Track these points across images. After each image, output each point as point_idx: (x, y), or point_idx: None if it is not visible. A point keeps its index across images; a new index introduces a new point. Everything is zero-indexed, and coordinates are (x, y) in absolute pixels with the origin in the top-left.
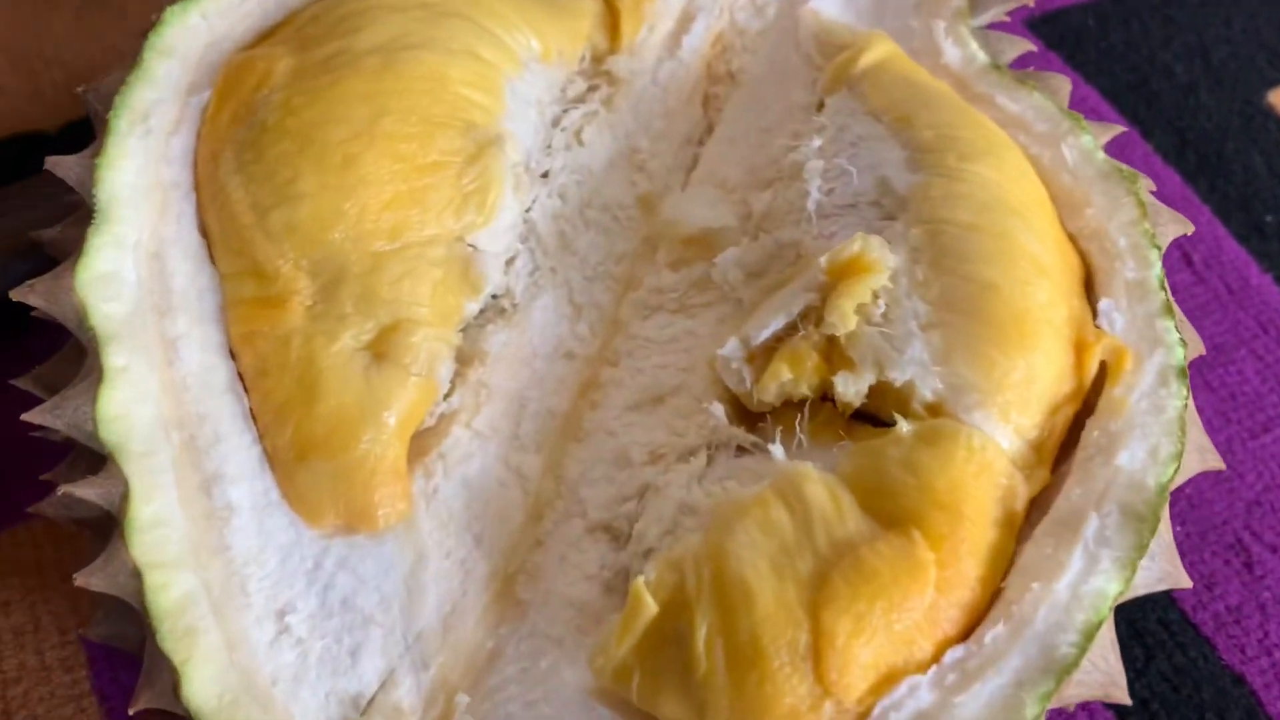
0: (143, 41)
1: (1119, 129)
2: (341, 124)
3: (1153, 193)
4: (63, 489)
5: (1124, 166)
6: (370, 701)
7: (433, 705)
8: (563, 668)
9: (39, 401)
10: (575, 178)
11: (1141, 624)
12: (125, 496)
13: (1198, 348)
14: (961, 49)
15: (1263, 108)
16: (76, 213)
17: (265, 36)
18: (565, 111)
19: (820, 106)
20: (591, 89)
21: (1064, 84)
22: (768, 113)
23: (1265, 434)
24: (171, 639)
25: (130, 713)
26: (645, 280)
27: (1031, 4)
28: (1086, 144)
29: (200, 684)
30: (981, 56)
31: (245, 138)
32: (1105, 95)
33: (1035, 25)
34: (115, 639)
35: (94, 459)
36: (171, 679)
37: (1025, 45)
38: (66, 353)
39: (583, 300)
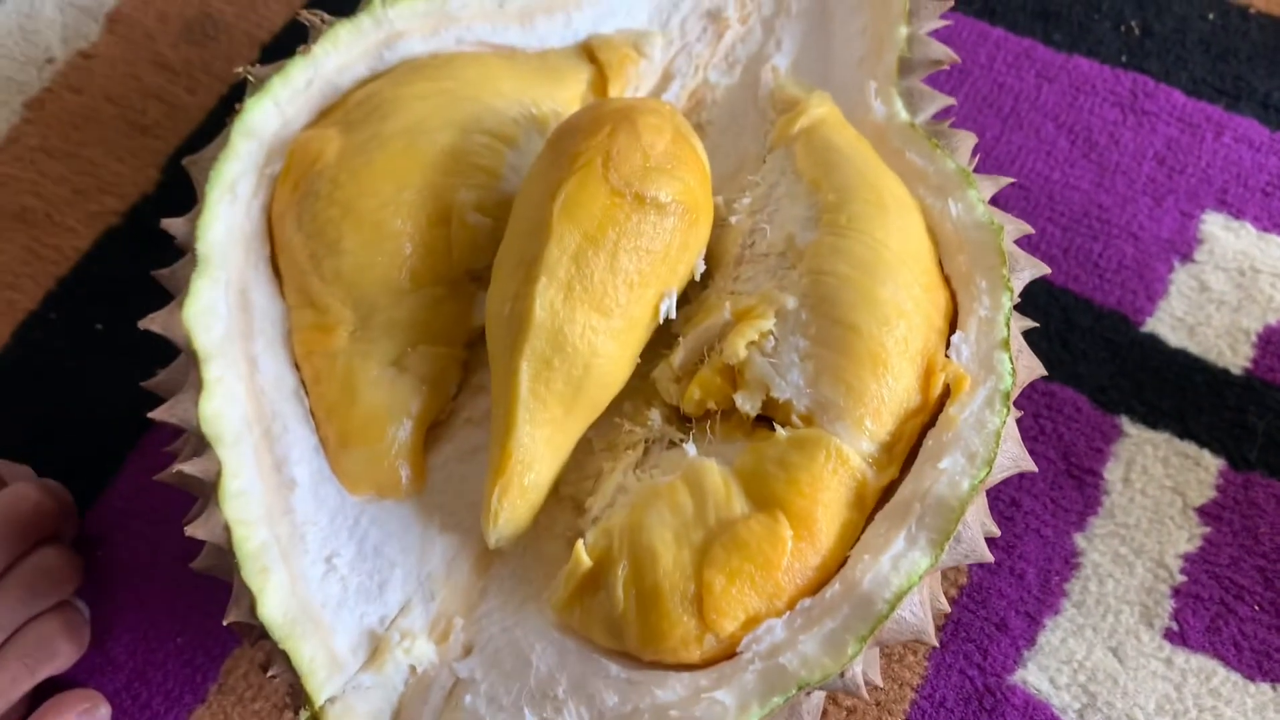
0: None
1: (1006, 180)
2: (373, 197)
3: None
4: (176, 467)
5: (996, 218)
6: (391, 622)
7: (436, 627)
8: (531, 603)
9: (161, 401)
10: None
11: None
12: (219, 473)
13: (1037, 370)
14: (887, 106)
15: None
16: (184, 258)
17: (325, 113)
18: None
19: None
20: None
21: (968, 139)
22: (726, 160)
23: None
24: (250, 574)
25: (224, 623)
26: None
27: (957, 60)
28: (971, 198)
29: (271, 606)
30: (902, 115)
31: (304, 204)
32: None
33: None
34: (213, 570)
35: (200, 443)
36: (250, 602)
37: (946, 100)
38: (178, 365)
39: None
